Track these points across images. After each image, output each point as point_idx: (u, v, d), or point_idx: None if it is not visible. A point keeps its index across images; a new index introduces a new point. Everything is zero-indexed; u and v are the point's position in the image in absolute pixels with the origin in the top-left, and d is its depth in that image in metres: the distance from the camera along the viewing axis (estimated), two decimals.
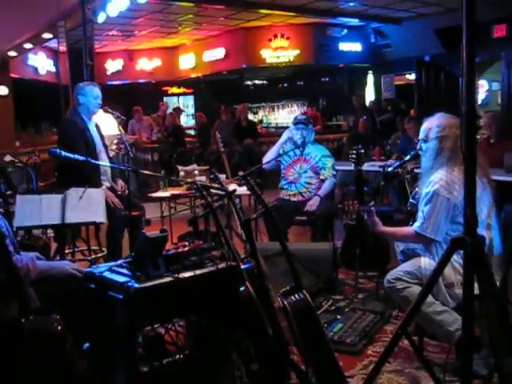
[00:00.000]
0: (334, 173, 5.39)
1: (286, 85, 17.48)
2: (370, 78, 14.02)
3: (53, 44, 11.84)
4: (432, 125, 3.20)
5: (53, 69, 13.78)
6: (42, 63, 13.60)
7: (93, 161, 3.53)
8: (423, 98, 9.61)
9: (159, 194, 6.01)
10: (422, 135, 3.27)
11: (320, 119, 13.10)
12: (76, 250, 5.17)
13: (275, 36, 12.71)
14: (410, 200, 3.50)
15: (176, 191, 5.95)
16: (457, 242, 2.24)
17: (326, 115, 14.59)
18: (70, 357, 2.43)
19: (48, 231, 5.31)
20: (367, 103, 12.95)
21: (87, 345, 2.48)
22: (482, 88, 12.14)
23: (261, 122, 16.42)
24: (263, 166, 5.28)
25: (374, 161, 7.02)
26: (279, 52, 12.82)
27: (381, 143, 8.05)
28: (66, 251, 4.97)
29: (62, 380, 2.44)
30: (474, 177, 2.17)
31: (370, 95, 13.93)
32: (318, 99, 15.83)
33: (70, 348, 2.44)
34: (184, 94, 18.23)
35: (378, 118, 11.14)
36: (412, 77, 11.45)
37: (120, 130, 4.85)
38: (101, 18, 7.63)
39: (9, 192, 4.54)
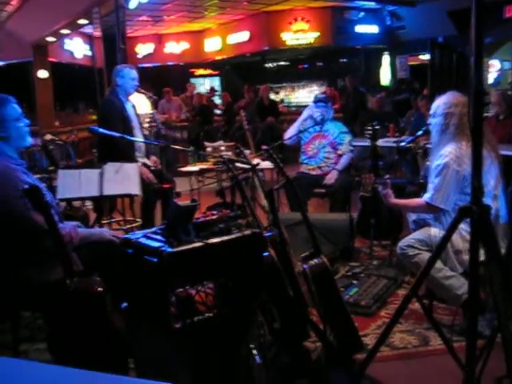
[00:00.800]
0: (351, 148, 5.39)
1: (305, 66, 17.33)
2: (386, 58, 13.84)
3: (88, 29, 11.90)
4: (440, 102, 3.20)
5: (88, 53, 13.87)
6: (78, 48, 13.68)
7: (128, 137, 3.58)
8: (436, 77, 9.48)
9: (188, 168, 6.07)
10: (431, 111, 3.27)
11: (338, 98, 12.99)
12: (112, 220, 5.29)
13: (295, 19, 12.58)
14: (422, 173, 3.50)
15: (204, 166, 6.00)
16: (464, 210, 2.25)
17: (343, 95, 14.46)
18: (110, 315, 2.53)
19: (87, 203, 5.42)
20: (382, 83, 12.82)
21: (125, 304, 2.55)
22: (494, 67, 11.90)
23: (282, 101, 16.31)
24: (285, 142, 5.31)
25: (388, 137, 6.98)
26: (299, 34, 12.70)
27: (395, 120, 7.98)
28: (104, 221, 5.08)
29: (101, 335, 2.54)
30: (480, 150, 2.18)
31: (385, 75, 13.76)
32: (336, 79, 15.68)
33: (110, 307, 2.53)
34: (210, 75, 18.19)
35: (394, 98, 11.02)
36: (426, 57, 11.28)
37: (152, 109, 4.89)
38: (132, 4, 7.64)
39: (51, 168, 4.63)
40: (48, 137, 9.57)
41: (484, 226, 2.23)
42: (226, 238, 2.42)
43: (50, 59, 12.65)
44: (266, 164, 5.24)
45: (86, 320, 2.49)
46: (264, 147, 2.90)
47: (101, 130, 3.34)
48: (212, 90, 13.71)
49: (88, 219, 4.53)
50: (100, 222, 4.82)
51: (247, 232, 2.53)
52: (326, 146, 5.34)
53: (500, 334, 2.24)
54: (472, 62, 2.14)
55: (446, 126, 3.13)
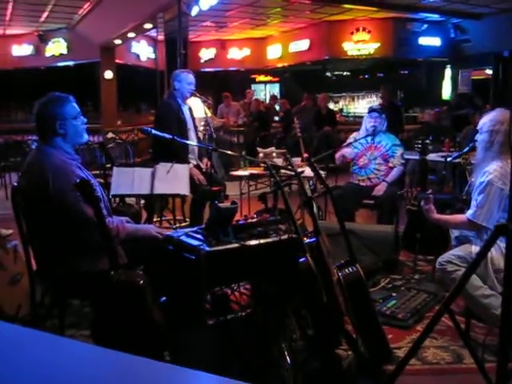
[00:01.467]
0: (403, 161, 5.37)
1: (366, 76, 17.25)
2: (448, 72, 13.58)
3: (153, 33, 12.26)
4: (487, 119, 3.17)
5: (152, 56, 14.26)
6: (143, 50, 14.10)
7: (178, 139, 3.71)
8: (499, 92, 9.25)
9: (239, 172, 6.17)
10: (478, 127, 3.25)
11: None
12: (163, 218, 5.45)
13: (357, 29, 12.54)
14: (466, 189, 3.47)
15: (255, 171, 6.09)
16: (500, 228, 2.25)
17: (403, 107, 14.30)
18: (150, 307, 2.64)
19: (141, 201, 5.62)
20: (443, 97, 12.59)
21: (164, 298, 2.67)
22: None
23: (341, 110, 16.31)
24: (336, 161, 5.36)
25: (443, 152, 6.87)
26: (360, 45, 12.64)
27: (452, 135, 7.85)
28: (154, 219, 5.26)
29: (141, 326, 2.66)
30: None
31: (447, 89, 13.51)
32: (397, 91, 15.51)
33: (150, 300, 2.65)
34: (271, 82, 18.35)
35: (455, 113, 10.81)
36: (490, 72, 11.02)
37: (206, 113, 5.03)
38: (194, 11, 7.86)
39: (108, 165, 4.84)
40: (109, 135, 9.95)
41: None
42: (262, 240, 2.50)
43: (117, 61, 13.10)
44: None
45: (126, 310, 2.61)
46: (306, 155, 2.95)
47: (153, 131, 3.48)
48: (273, 97, 13.85)
49: (139, 217, 4.71)
50: (150, 221, 5.00)
51: (284, 237, 2.61)
52: (377, 157, 5.33)
53: None
54: None
55: (491, 143, 3.11)
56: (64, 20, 12.13)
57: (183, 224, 5.47)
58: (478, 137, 3.24)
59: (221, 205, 2.48)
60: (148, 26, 10.06)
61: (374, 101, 15.78)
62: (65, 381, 0.92)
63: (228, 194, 5.32)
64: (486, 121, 3.19)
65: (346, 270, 2.70)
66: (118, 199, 4.70)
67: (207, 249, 2.33)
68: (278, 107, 14.64)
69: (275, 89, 18.35)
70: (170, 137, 3.46)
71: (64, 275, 2.86)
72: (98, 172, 5.21)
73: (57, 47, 13.38)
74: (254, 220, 2.66)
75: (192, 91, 4.95)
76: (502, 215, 3.02)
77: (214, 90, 14.90)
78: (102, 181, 4.51)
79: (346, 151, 5.41)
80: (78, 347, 1.19)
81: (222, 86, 15.25)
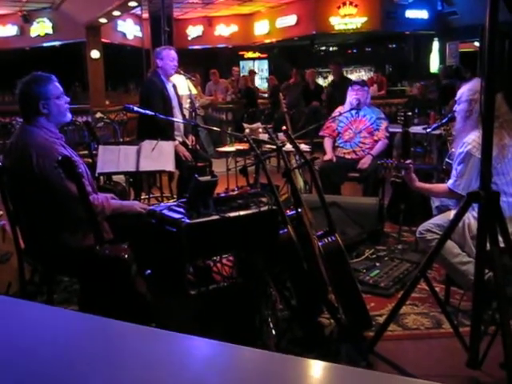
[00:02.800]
0: (387, 134, 5.40)
1: (354, 51, 17.19)
2: (436, 45, 13.56)
3: (138, 11, 12.13)
4: (465, 89, 3.21)
5: (139, 34, 14.12)
6: (129, 29, 13.95)
7: (161, 116, 3.73)
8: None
9: (225, 148, 6.21)
10: (457, 98, 3.28)
11: (385, 84, 12.87)
12: (151, 196, 5.50)
13: (344, 3, 12.47)
14: (446, 159, 3.53)
15: (241, 147, 6.12)
16: (473, 195, 2.31)
17: (391, 81, 14.29)
18: (134, 280, 2.70)
19: (130, 179, 5.64)
20: (431, 70, 12.59)
21: (149, 271, 2.73)
22: None
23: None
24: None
25: (429, 125, 6.91)
26: (347, 19, 12.59)
27: (438, 108, 7.88)
28: (142, 197, 5.30)
29: (126, 299, 2.72)
30: (490, 137, 2.22)
31: (434, 62, 13.51)
32: (385, 65, 15.51)
33: (135, 273, 2.71)
34: (259, 58, 18.25)
35: (442, 83, 10.79)
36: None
37: (190, 89, 5.04)
38: None
39: (95, 145, 4.85)
40: (98, 115, 9.92)
41: (492, 211, 2.28)
42: (242, 212, 2.55)
43: (103, 40, 12.97)
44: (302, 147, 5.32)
45: (112, 284, 2.67)
46: (284, 128, 3.00)
47: (135, 108, 3.51)
48: (252, 72, 13.79)
49: (126, 194, 4.75)
50: (139, 198, 5.04)
51: (264, 208, 2.66)
52: (362, 130, 5.37)
53: (500, 319, 2.28)
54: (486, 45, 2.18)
55: (470, 113, 3.14)
56: None
57: (171, 201, 5.51)
58: (457, 107, 3.28)
59: (201, 178, 2.52)
60: (133, 3, 9.94)
61: (362, 75, 15.75)
62: (52, 345, 0.98)
63: (214, 169, 5.36)
64: (464, 90, 3.23)
65: (325, 240, 2.76)
66: (105, 177, 4.73)
67: (187, 221, 2.38)
68: (258, 83, 14.50)
69: (264, 65, 18.26)
70: (153, 113, 3.48)
71: (51, 253, 2.90)
72: (86, 152, 5.23)
73: (42, 27, 13.23)
74: (235, 193, 2.71)
75: (175, 68, 4.95)
76: None
77: (202, 67, 14.81)
78: (90, 160, 4.54)
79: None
80: (66, 314, 1.26)
81: (210, 63, 15.14)
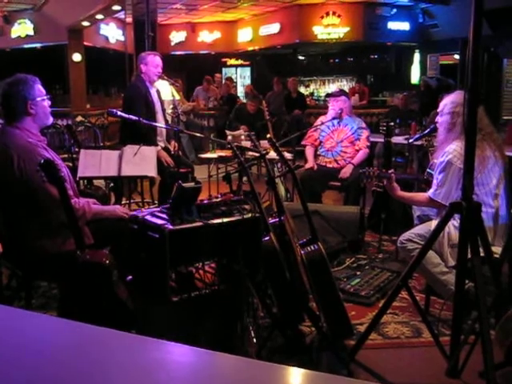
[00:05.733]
0: (368, 144, 5.45)
1: (336, 60, 17.31)
2: (417, 56, 13.74)
3: (121, 15, 12.07)
4: (448, 101, 3.25)
5: (122, 38, 14.03)
6: (112, 33, 13.88)
7: (144, 121, 3.71)
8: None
9: (208, 155, 6.20)
10: (439, 109, 3.33)
11: (367, 94, 13.00)
12: (132, 201, 5.46)
13: (327, 13, 12.55)
14: (427, 170, 3.57)
15: (223, 153, 6.12)
16: (455, 206, 2.34)
17: (373, 91, 14.43)
18: (115, 286, 2.67)
19: (111, 184, 5.60)
20: (412, 81, 12.74)
21: (130, 277, 2.71)
22: None
23: (312, 94, 16.37)
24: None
25: (410, 135, 6.99)
26: (330, 29, 12.67)
27: (419, 119, 7.97)
28: (123, 202, 5.26)
29: (107, 305, 2.69)
30: (473, 148, 2.26)
31: (415, 74, 13.69)
32: (366, 75, 15.65)
33: (116, 278, 2.68)
34: (241, 65, 18.29)
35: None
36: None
37: (173, 95, 5.03)
38: None
39: (77, 149, 4.82)
40: (79, 118, 9.86)
41: (473, 221, 2.31)
42: (226, 219, 2.55)
43: (85, 43, 12.88)
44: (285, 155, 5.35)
45: (92, 290, 2.64)
46: (268, 135, 3.00)
47: (119, 112, 3.49)
48: (229, 79, 13.82)
49: (107, 199, 4.71)
50: (119, 203, 5.00)
51: (247, 215, 2.66)
52: (343, 140, 5.42)
53: (479, 328, 2.31)
54: (470, 60, 2.22)
55: (453, 125, 3.19)
56: (30, 0, 11.86)
57: (152, 206, 5.47)
58: (439, 118, 3.33)
59: (184, 184, 2.51)
60: (116, 7, 9.90)
61: (344, 85, 15.89)
62: (31, 350, 0.97)
63: (196, 176, 5.34)
64: (446, 102, 3.28)
65: (308, 248, 2.77)
66: (85, 181, 4.69)
67: (170, 227, 2.37)
68: (240, 90, 14.44)
69: (246, 72, 18.31)
70: (136, 118, 3.46)
71: (31, 257, 2.87)
72: (66, 156, 5.18)
73: (23, 28, 13.08)
74: (218, 199, 2.70)
75: (159, 74, 4.93)
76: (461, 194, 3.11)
77: (185, 73, 14.79)
78: (70, 164, 4.50)
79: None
80: (44, 320, 1.24)
81: (192, 69, 15.15)
